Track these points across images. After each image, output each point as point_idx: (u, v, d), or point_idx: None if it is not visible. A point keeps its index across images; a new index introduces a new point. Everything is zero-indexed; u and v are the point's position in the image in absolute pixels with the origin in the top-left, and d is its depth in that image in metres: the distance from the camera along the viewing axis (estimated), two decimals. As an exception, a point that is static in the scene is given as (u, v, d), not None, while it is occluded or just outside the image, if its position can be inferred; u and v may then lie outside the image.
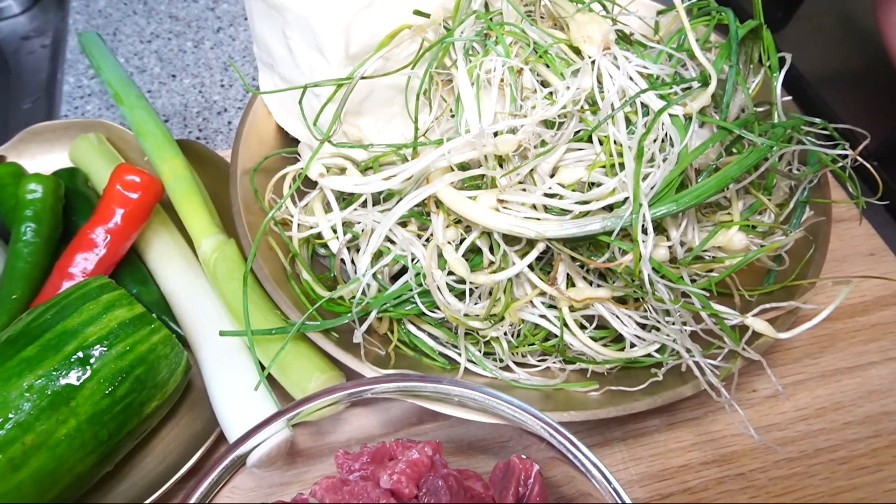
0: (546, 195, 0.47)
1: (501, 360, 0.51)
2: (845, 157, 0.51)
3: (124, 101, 0.64)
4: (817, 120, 0.54)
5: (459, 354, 0.51)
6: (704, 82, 0.48)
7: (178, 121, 0.84)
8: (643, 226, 0.43)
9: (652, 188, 0.45)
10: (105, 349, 0.46)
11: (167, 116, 0.85)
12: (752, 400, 0.58)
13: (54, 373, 0.45)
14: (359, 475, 0.42)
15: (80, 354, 0.46)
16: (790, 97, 0.58)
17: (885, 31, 0.67)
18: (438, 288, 0.47)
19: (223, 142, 0.82)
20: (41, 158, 0.69)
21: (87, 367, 0.46)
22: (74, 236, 0.57)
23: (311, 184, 0.55)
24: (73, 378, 0.45)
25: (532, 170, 0.48)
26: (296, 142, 0.62)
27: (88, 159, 0.66)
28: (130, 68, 0.90)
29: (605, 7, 0.59)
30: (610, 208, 0.46)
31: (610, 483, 0.39)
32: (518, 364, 0.53)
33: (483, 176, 0.49)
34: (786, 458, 0.54)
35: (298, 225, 0.55)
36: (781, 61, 0.54)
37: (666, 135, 0.47)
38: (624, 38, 0.53)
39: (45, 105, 0.90)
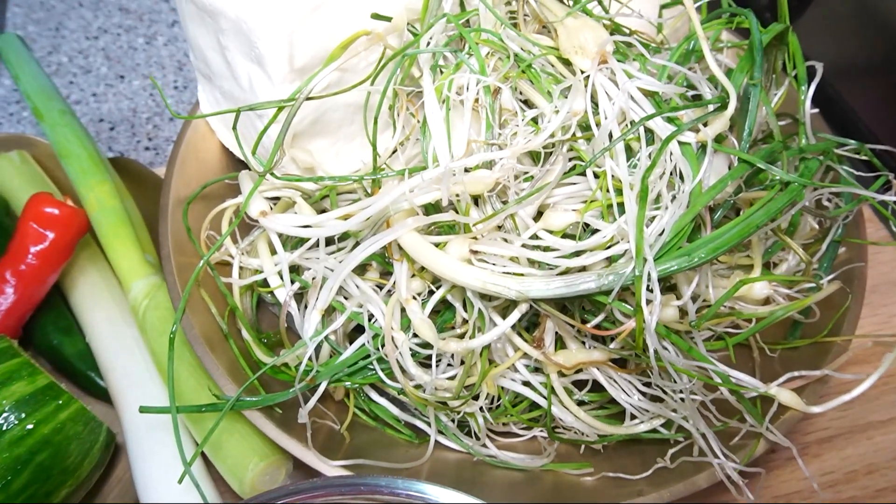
0: (531, 240, 0.39)
1: (478, 437, 0.43)
2: (887, 187, 0.43)
3: (45, 116, 0.55)
4: (852, 142, 0.45)
5: (429, 425, 0.43)
6: (721, 103, 0.40)
7: (125, 128, 0.76)
8: (648, 285, 0.35)
9: (659, 235, 0.37)
10: (-3, 434, 0.38)
11: (113, 123, 0.76)
12: (772, 463, 0.50)
13: (-68, 467, 0.37)
14: None
15: (-35, 443, 0.38)
16: (816, 109, 0.50)
17: None
18: (401, 355, 0.39)
19: (175, 153, 0.73)
20: (-43, 181, 0.60)
21: (-26, 459, 0.38)
22: (-19, 280, 0.49)
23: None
24: (-45, 473, 0.37)
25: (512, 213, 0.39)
26: (244, 164, 0.53)
27: (9, 183, 0.57)
28: (74, 68, 0.80)
29: (602, 6, 0.50)
30: (608, 258, 0.38)
31: None
32: (499, 434, 0.45)
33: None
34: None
35: (240, 269, 0.47)
36: (810, 71, 0.46)
37: (675, 167, 0.39)
38: (622, 50, 0.44)
39: (-19, 110, 0.81)
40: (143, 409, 0.41)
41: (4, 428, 0.39)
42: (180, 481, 0.39)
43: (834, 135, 0.68)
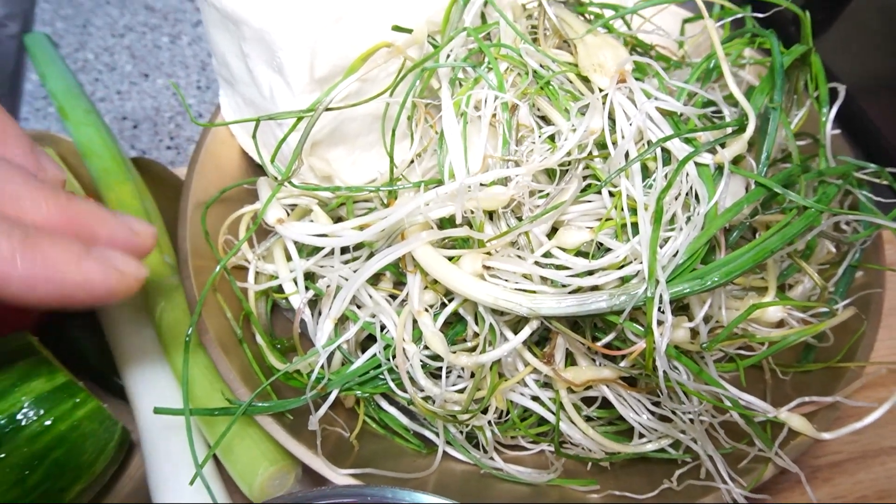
0: (544, 258, 0.39)
1: (486, 450, 0.43)
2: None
3: (70, 115, 0.56)
4: (872, 166, 0.45)
5: (437, 435, 0.44)
6: (740, 125, 0.39)
7: (148, 126, 0.77)
8: (660, 307, 0.35)
9: (673, 257, 0.37)
10: (14, 431, 0.39)
11: (136, 122, 0.77)
12: (781, 485, 0.50)
13: (-47, 460, 0.38)
14: None
15: (-16, 438, 0.39)
16: (838, 130, 0.49)
17: None
18: (411, 367, 0.40)
19: (196, 152, 0.74)
20: (-16, 175, 0.62)
21: (-8, 454, 0.39)
22: (4, 277, 0.50)
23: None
24: (-26, 467, 0.38)
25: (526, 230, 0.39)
26: (263, 169, 0.54)
27: (33, 179, 0.58)
28: (100, 65, 0.82)
29: (625, 21, 0.50)
30: (621, 278, 0.38)
31: None
32: (507, 446, 0.45)
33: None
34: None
35: (256, 274, 0.47)
36: (833, 93, 0.45)
37: (691, 188, 0.39)
38: (642, 68, 0.44)
39: (8, 104, 0.82)
40: (157, 411, 0.41)
41: (22, 424, 0.40)
42: (191, 483, 0.39)
43: (856, 152, 0.68)
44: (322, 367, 0.41)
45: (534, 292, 0.38)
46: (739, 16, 0.46)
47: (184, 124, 0.77)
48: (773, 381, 0.45)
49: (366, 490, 0.34)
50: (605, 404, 0.43)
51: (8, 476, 0.39)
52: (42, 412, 0.40)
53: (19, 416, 0.40)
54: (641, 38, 0.49)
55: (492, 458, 0.43)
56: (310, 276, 0.46)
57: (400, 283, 0.45)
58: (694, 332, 0.40)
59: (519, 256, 0.39)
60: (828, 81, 0.46)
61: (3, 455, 0.39)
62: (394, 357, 0.40)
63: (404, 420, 0.44)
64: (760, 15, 0.45)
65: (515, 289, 0.38)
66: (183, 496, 0.42)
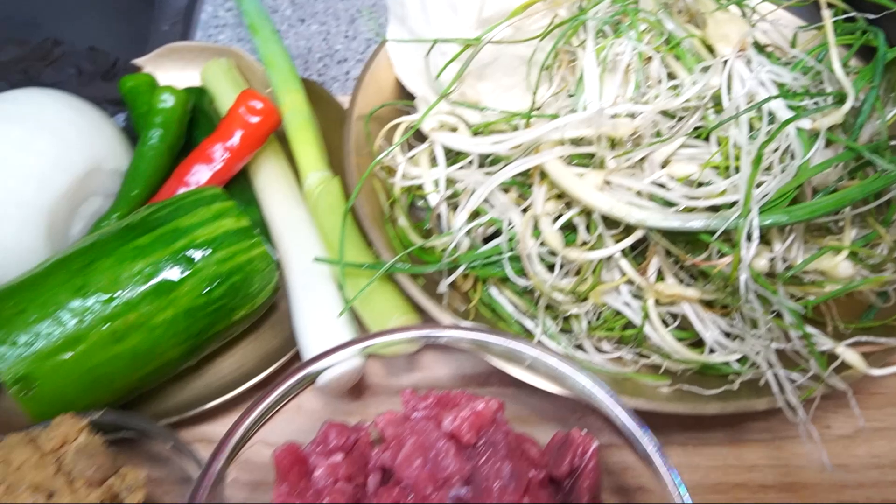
0: (654, 184, 0.47)
1: (577, 340, 0.51)
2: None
3: (259, 32, 0.67)
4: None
5: (536, 325, 0.52)
6: (839, 100, 0.47)
7: (299, 63, 0.88)
8: (749, 231, 0.42)
9: (764, 196, 0.44)
10: (209, 252, 0.50)
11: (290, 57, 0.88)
12: (825, 436, 0.55)
13: (162, 264, 0.49)
14: (422, 415, 0.43)
15: (187, 253, 0.49)
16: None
17: None
18: (529, 255, 0.48)
19: (339, 89, 0.85)
20: (175, 74, 0.73)
21: (191, 265, 0.49)
22: (195, 149, 0.61)
23: (420, 138, 0.56)
24: (177, 272, 0.49)
25: (643, 157, 0.48)
26: (409, 96, 0.63)
27: (217, 82, 0.69)
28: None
29: (744, 14, 0.58)
30: (715, 209, 0.46)
31: (674, 479, 0.38)
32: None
33: (592, 156, 0.49)
34: (850, 498, 0.52)
35: (403, 174, 0.57)
36: (927, 94, 0.52)
37: (788, 146, 0.46)
38: (759, 49, 0.52)
39: (182, 29, 0.95)
40: (317, 259, 0.51)
41: (214, 248, 0.50)
42: (340, 315, 0.49)
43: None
44: (454, 246, 0.50)
45: (643, 207, 0.46)
46: (852, 15, 0.53)
47: (330, 65, 0.88)
48: (835, 334, 0.51)
49: (489, 330, 0.43)
50: (683, 328, 0.51)
51: (200, 285, 0.49)
52: (229, 243, 0.51)
53: (214, 243, 0.50)
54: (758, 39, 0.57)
55: (580, 347, 0.51)
56: (447, 182, 0.55)
57: (523, 197, 0.53)
58: (771, 274, 0.47)
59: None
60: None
61: (200, 267, 0.49)
62: (516, 246, 0.48)
63: (510, 308, 0.53)
64: (872, 16, 0.51)
65: (628, 203, 0.46)
66: (321, 330, 0.51)
